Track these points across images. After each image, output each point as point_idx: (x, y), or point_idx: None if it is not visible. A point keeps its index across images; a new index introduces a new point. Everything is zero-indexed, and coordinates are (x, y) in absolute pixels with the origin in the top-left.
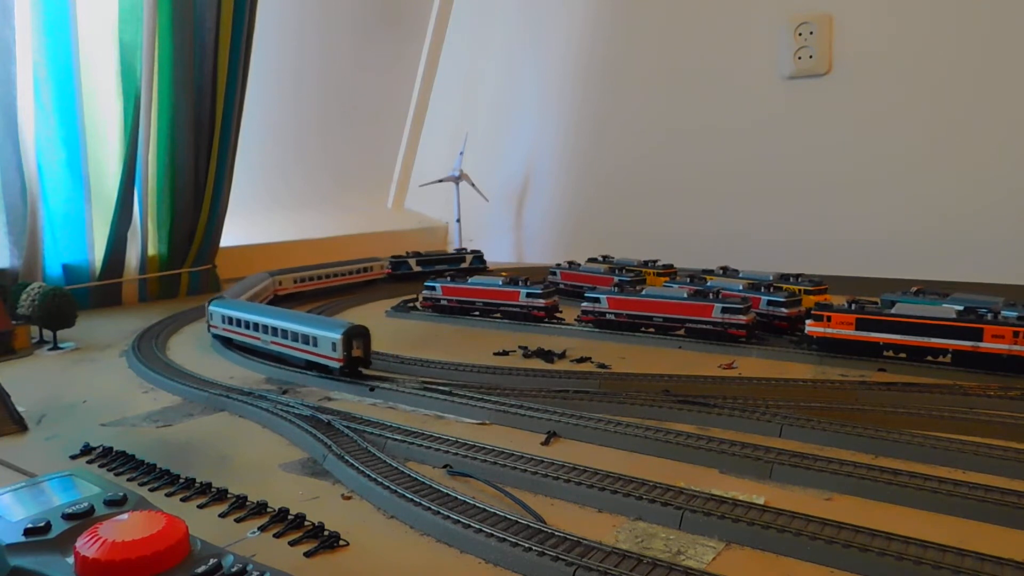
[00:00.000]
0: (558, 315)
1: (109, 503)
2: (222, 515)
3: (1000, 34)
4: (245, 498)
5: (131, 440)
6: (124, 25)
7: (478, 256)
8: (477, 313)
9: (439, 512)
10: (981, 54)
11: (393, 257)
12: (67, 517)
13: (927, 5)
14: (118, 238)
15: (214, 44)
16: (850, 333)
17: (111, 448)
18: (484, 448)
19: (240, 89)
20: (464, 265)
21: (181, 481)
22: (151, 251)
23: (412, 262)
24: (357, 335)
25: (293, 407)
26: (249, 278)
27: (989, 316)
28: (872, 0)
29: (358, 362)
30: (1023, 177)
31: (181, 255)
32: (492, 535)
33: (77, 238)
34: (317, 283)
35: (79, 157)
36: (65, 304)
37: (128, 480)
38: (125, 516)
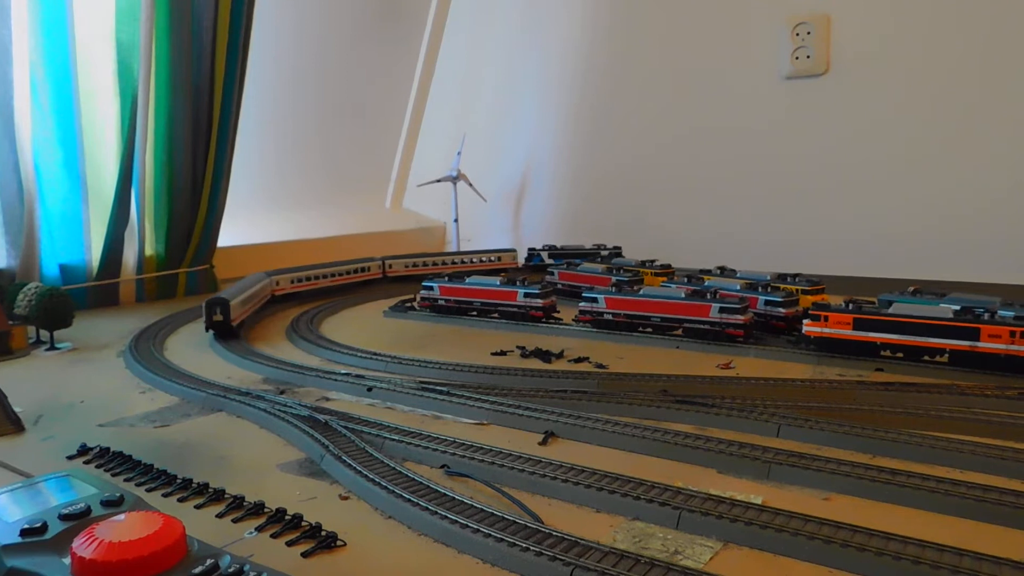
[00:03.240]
0: (556, 315)
1: (106, 504)
2: (219, 515)
3: (997, 33)
4: (242, 498)
5: (128, 440)
6: (121, 25)
7: (615, 253)
8: (475, 313)
9: (437, 512)
10: (977, 54)
11: (530, 249)
12: (64, 518)
13: (924, 5)
14: (115, 238)
15: (212, 44)
16: (847, 333)
17: (108, 448)
18: (482, 448)
19: (238, 89)
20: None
21: (178, 481)
22: (148, 251)
23: (544, 255)
24: (217, 304)
25: (291, 407)
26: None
27: (986, 316)
28: (869, 0)
29: (220, 324)
30: (1020, 177)
31: (179, 255)
32: (490, 535)
33: (74, 238)
34: (430, 268)
35: (76, 157)
36: (62, 304)
37: (125, 481)
38: (122, 517)
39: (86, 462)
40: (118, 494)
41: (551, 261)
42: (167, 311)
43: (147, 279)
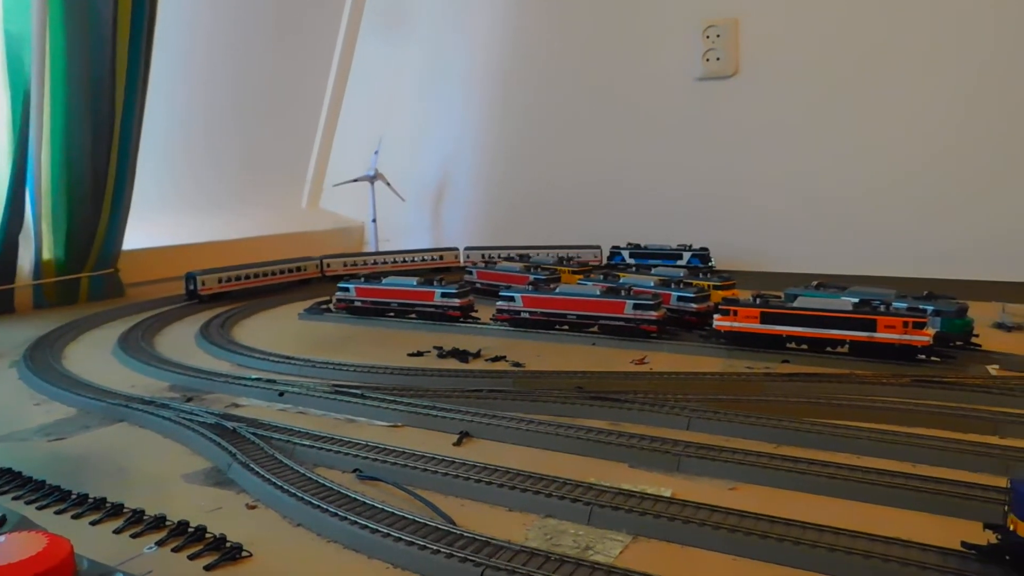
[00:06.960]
0: (474, 314)
1: None
2: (117, 531)
3: (900, 35)
4: (142, 512)
5: (18, 456)
6: (9, 15)
7: (700, 255)
8: (392, 314)
9: (347, 518)
10: (878, 55)
11: (613, 247)
12: None
13: (829, 8)
14: (8, 241)
15: (112, 36)
16: (756, 327)
17: None
18: (395, 451)
19: (142, 83)
20: (680, 263)
21: (73, 497)
22: (46, 255)
23: (626, 254)
24: (191, 278)
25: (197, 415)
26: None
27: (882, 308)
28: (776, 3)
29: (192, 293)
30: (914, 174)
31: (80, 259)
32: (400, 539)
33: None
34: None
35: None
36: None
37: (13, 499)
38: (2, 538)
39: None
40: (0, 514)
41: (632, 261)
42: (68, 317)
43: (45, 284)
